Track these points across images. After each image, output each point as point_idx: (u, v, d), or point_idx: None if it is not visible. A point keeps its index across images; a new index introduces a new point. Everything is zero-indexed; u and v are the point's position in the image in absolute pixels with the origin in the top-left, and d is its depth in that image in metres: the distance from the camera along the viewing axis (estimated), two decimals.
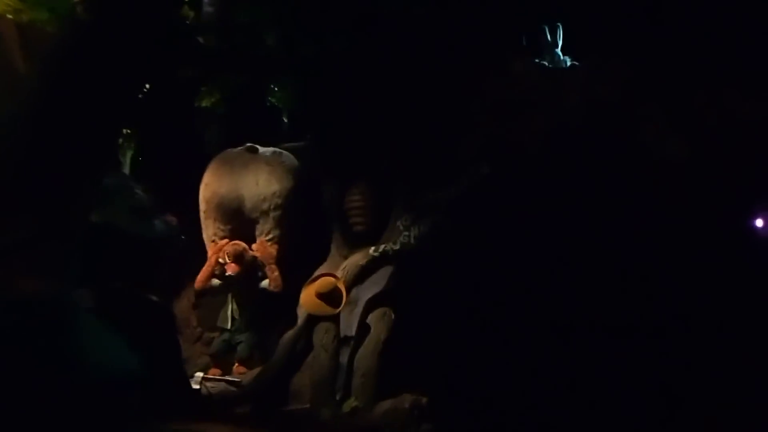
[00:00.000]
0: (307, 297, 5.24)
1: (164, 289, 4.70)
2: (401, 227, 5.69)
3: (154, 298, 4.15)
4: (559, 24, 5.94)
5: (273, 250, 5.79)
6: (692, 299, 5.22)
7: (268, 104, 6.62)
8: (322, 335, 5.17)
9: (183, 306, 6.16)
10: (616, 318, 5.26)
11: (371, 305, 5.43)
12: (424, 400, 5.03)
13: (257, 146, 6.19)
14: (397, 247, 5.56)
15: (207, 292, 5.75)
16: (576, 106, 5.72)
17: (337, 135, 6.33)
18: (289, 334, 5.22)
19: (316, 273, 5.45)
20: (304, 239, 6.01)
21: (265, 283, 5.69)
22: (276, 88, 6.36)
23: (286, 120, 7.09)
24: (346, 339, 5.22)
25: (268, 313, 5.76)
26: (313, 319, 5.23)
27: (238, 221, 5.93)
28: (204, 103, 6.16)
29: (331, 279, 5.26)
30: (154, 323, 4.02)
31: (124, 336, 2.97)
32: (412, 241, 5.57)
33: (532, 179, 5.54)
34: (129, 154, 5.67)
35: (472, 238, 5.59)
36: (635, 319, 5.23)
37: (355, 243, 5.78)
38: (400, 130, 5.99)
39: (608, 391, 5.07)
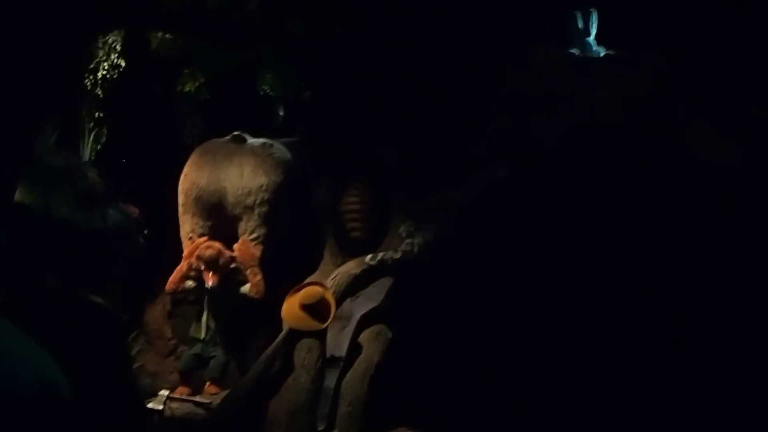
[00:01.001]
0: (290, 308, 4.51)
1: (119, 292, 3.98)
2: (403, 234, 4.98)
3: (99, 300, 3.44)
4: (593, 10, 5.19)
5: (256, 251, 5.08)
6: (737, 310, 4.48)
7: (261, 92, 5.91)
8: (304, 354, 4.44)
9: (156, 314, 5.47)
10: (652, 340, 4.52)
11: (365, 322, 4.71)
12: None
13: (245, 135, 5.48)
14: (398, 256, 4.84)
15: (179, 295, 5.06)
16: (606, 101, 4.98)
17: (334, 128, 5.66)
18: (267, 351, 4.48)
19: (304, 282, 4.71)
20: (294, 243, 5.29)
21: (245, 288, 4.97)
22: (269, 75, 5.64)
23: (281, 113, 6.38)
24: (333, 360, 4.50)
25: (247, 324, 5.04)
26: (294, 335, 4.50)
27: (220, 217, 5.23)
28: (186, 88, 5.45)
29: (318, 289, 4.54)
30: (93, 330, 3.32)
31: (43, 342, 2.26)
32: (415, 250, 4.85)
33: (552, 182, 4.81)
34: (90, 138, 4.97)
35: (484, 249, 4.86)
36: (675, 336, 4.49)
37: (351, 251, 5.08)
38: (405, 125, 5.30)
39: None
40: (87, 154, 4.81)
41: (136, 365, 5.34)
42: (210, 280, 4.72)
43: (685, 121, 4.87)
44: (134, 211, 4.17)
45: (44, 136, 3.94)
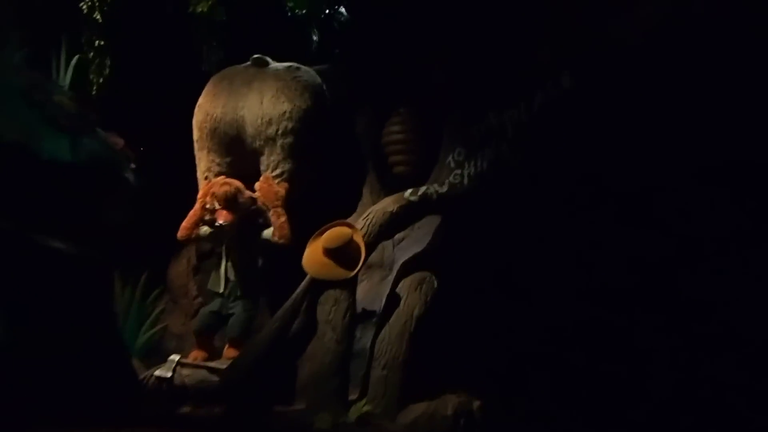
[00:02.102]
0: (312, 254, 3.76)
1: (106, 238, 3.32)
2: (452, 164, 4.12)
3: (60, 245, 2.80)
4: None
5: (281, 189, 4.34)
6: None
7: (289, 13, 5.10)
8: (329, 308, 3.69)
9: (181, 270, 4.86)
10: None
11: (407, 269, 3.91)
12: (476, 403, 3.52)
13: (267, 59, 4.72)
14: (445, 189, 4.01)
15: (196, 244, 4.41)
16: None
17: (373, 47, 4.82)
18: (285, 306, 3.76)
19: (330, 223, 3.94)
20: (329, 181, 4.53)
21: (268, 232, 4.25)
22: None
23: (315, 37, 5.56)
24: (366, 315, 3.73)
25: (272, 275, 4.34)
26: (318, 285, 3.75)
27: (239, 153, 4.51)
28: (199, 8, 4.70)
29: (346, 230, 3.76)
30: (54, 279, 2.68)
31: None
32: (466, 181, 4.00)
33: (634, 97, 3.83)
34: (71, 63, 4.30)
35: (550, 180, 3.95)
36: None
37: (394, 187, 4.28)
38: (452, 36, 4.40)
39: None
40: (63, 76, 4.14)
41: (159, 326, 4.76)
42: (222, 218, 4.01)
43: None
44: (118, 141, 3.48)
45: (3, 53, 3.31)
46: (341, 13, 5.43)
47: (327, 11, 5.38)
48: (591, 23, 4.10)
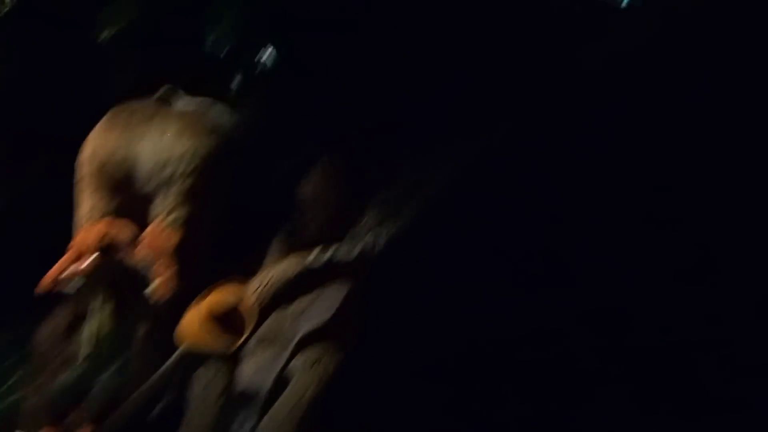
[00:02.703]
0: (191, 320, 3.19)
1: None
2: (369, 224, 3.64)
3: None
4: None
5: (172, 238, 3.76)
6: None
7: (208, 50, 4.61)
8: (203, 388, 3.09)
9: (49, 332, 4.18)
10: None
11: (305, 344, 3.36)
12: None
13: (179, 90, 4.21)
14: (355, 253, 3.49)
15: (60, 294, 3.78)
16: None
17: (302, 90, 4.37)
18: (151, 380, 3.15)
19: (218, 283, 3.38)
20: (231, 235, 3.98)
21: (150, 289, 3.65)
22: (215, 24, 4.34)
23: (239, 76, 5.05)
24: (249, 397, 3.15)
25: (152, 340, 3.72)
26: (192, 359, 3.16)
27: (128, 195, 3.93)
28: (105, 35, 4.19)
29: (233, 292, 3.20)
30: None
31: None
32: (381, 245, 3.50)
33: (591, 139, 3.47)
34: None
35: (480, 244, 3.50)
36: None
37: (306, 246, 3.75)
38: (388, 80, 3.99)
39: None
40: None
41: (13, 397, 4.06)
42: (84, 265, 3.42)
43: None
44: None
45: None
46: (270, 52, 4.93)
47: (253, 50, 4.87)
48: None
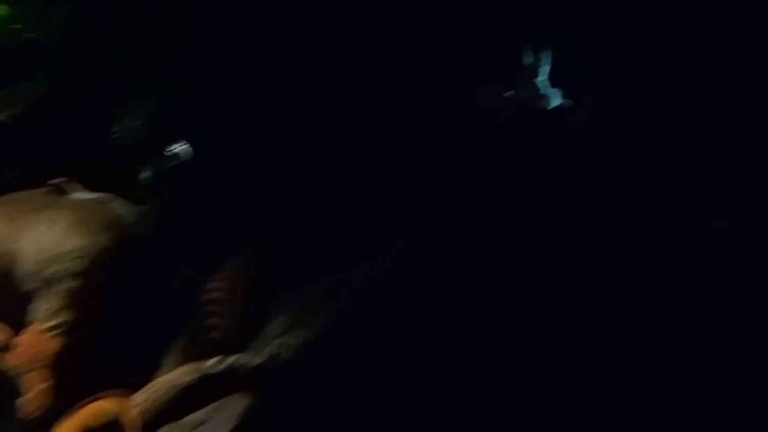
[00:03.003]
0: None
1: None
2: (276, 330, 3.33)
3: None
4: (548, 46, 3.83)
5: (52, 345, 3.35)
6: None
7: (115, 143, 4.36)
8: None
9: None
10: None
11: None
12: None
13: (73, 185, 3.90)
14: (257, 362, 3.17)
15: None
16: (571, 154, 3.58)
17: (211, 187, 4.13)
18: None
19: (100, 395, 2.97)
20: (124, 342, 3.58)
21: (21, 401, 3.20)
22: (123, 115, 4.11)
23: (149, 171, 4.79)
24: None
25: None
26: None
27: (5, 294, 3.52)
28: (2, 117, 3.91)
29: (112, 405, 2.80)
30: None
31: None
32: (288, 354, 3.18)
33: (501, 254, 3.29)
34: None
35: (403, 357, 3.21)
36: None
37: (205, 355, 3.39)
38: (299, 181, 3.81)
39: None
40: None
41: None
42: None
43: (672, 185, 3.42)
44: None
45: None
46: (183, 146, 4.69)
47: (165, 142, 4.63)
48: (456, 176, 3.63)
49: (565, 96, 3.72)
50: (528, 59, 3.77)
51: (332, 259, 3.46)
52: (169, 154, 4.51)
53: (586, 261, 3.32)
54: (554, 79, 3.86)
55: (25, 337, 3.37)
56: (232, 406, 3.19)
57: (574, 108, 3.67)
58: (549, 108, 3.70)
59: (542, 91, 3.74)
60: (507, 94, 3.75)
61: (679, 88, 3.52)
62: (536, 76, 3.88)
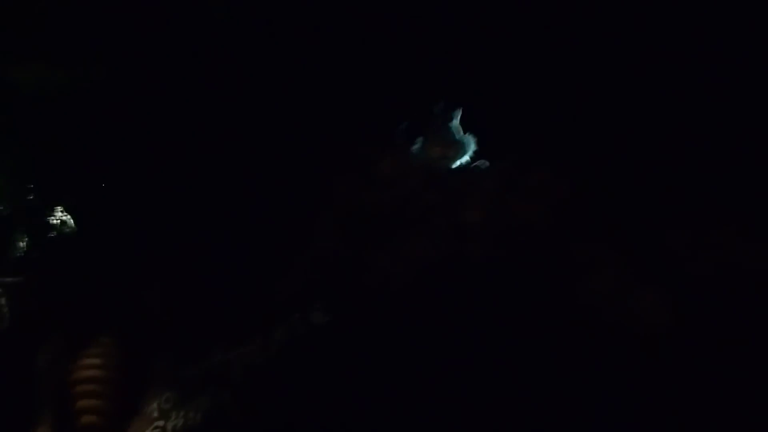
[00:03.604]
0: None
1: None
2: (155, 413, 2.96)
3: None
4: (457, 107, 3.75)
5: None
6: None
7: None
8: None
9: None
10: None
11: None
12: None
13: None
14: None
15: None
16: (478, 226, 3.44)
17: (79, 261, 3.75)
18: None
19: None
20: None
21: None
22: None
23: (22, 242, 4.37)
24: None
25: None
26: None
27: None
28: None
29: None
30: None
31: None
32: None
33: (399, 337, 3.09)
34: None
35: None
36: None
37: None
38: (181, 253, 3.51)
39: None
40: None
41: None
42: None
43: (586, 262, 3.34)
44: None
45: None
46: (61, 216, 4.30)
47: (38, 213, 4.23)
48: (351, 254, 3.39)
49: (479, 144, 3.59)
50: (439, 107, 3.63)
51: (218, 335, 3.13)
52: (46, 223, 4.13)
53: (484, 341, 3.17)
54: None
55: None
56: None
57: (485, 171, 3.55)
58: (458, 165, 3.56)
59: (456, 137, 3.60)
60: (415, 148, 3.59)
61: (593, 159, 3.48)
62: (449, 120, 3.72)
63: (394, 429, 2.95)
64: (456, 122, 3.74)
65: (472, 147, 3.70)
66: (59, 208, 3.98)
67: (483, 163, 3.66)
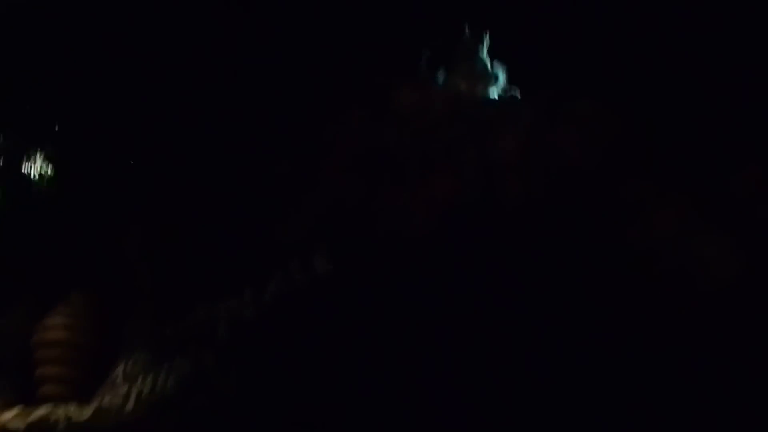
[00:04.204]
0: None
1: None
2: (119, 377, 2.49)
3: None
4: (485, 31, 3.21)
5: None
6: None
7: None
8: None
9: None
10: None
11: None
12: None
13: None
14: (88, 415, 2.34)
15: None
16: (513, 160, 2.92)
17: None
18: None
19: None
20: None
21: None
22: None
23: None
24: None
25: None
26: None
27: None
28: None
29: None
30: None
31: None
32: (131, 405, 2.34)
33: (420, 286, 2.56)
34: None
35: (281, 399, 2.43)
36: None
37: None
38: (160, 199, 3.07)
39: None
40: None
41: None
42: None
43: (641, 203, 2.78)
44: None
45: None
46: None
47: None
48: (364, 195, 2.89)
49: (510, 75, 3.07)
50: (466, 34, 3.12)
51: (203, 286, 2.66)
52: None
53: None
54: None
55: None
56: None
57: (519, 103, 3.02)
58: (487, 99, 3.04)
59: (485, 68, 3.09)
60: (438, 79, 3.07)
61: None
62: (477, 49, 3.19)
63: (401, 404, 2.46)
64: (484, 51, 3.24)
65: (502, 79, 3.19)
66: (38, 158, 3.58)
67: (515, 95, 3.15)
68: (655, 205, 2.74)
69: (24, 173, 3.57)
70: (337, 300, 2.58)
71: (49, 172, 3.44)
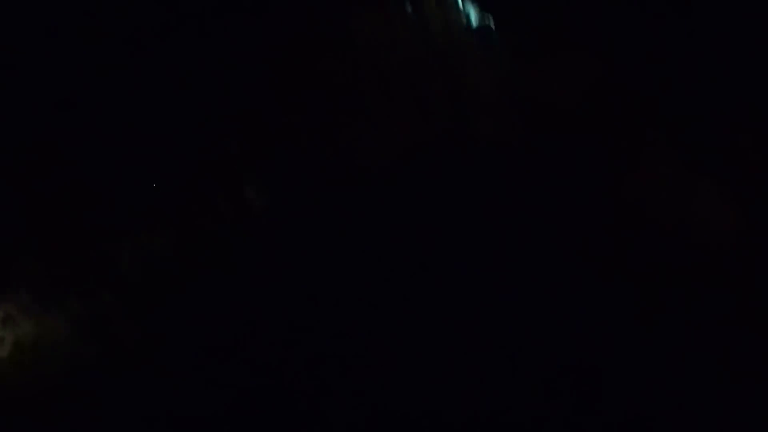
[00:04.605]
0: None
1: None
2: None
3: None
4: None
5: None
6: None
7: None
8: None
9: None
10: None
11: None
12: None
13: None
14: None
15: None
16: (488, 99, 2.54)
17: None
18: None
19: None
20: None
21: None
22: None
23: None
24: None
25: None
26: None
27: None
28: None
29: None
30: None
31: None
32: (15, 350, 1.86)
33: (373, 228, 2.14)
34: None
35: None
36: None
37: None
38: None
39: None
40: None
41: None
42: None
43: (634, 153, 2.42)
44: None
45: None
46: None
47: None
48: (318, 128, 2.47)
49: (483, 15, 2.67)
50: None
51: (106, 216, 2.21)
52: None
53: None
54: None
55: None
56: None
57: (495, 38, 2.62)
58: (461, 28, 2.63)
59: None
60: (405, 8, 2.66)
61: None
62: None
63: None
64: None
65: (475, 7, 2.79)
66: None
67: (489, 25, 2.75)
68: (650, 155, 2.38)
69: None
70: (270, 239, 2.14)
71: None
